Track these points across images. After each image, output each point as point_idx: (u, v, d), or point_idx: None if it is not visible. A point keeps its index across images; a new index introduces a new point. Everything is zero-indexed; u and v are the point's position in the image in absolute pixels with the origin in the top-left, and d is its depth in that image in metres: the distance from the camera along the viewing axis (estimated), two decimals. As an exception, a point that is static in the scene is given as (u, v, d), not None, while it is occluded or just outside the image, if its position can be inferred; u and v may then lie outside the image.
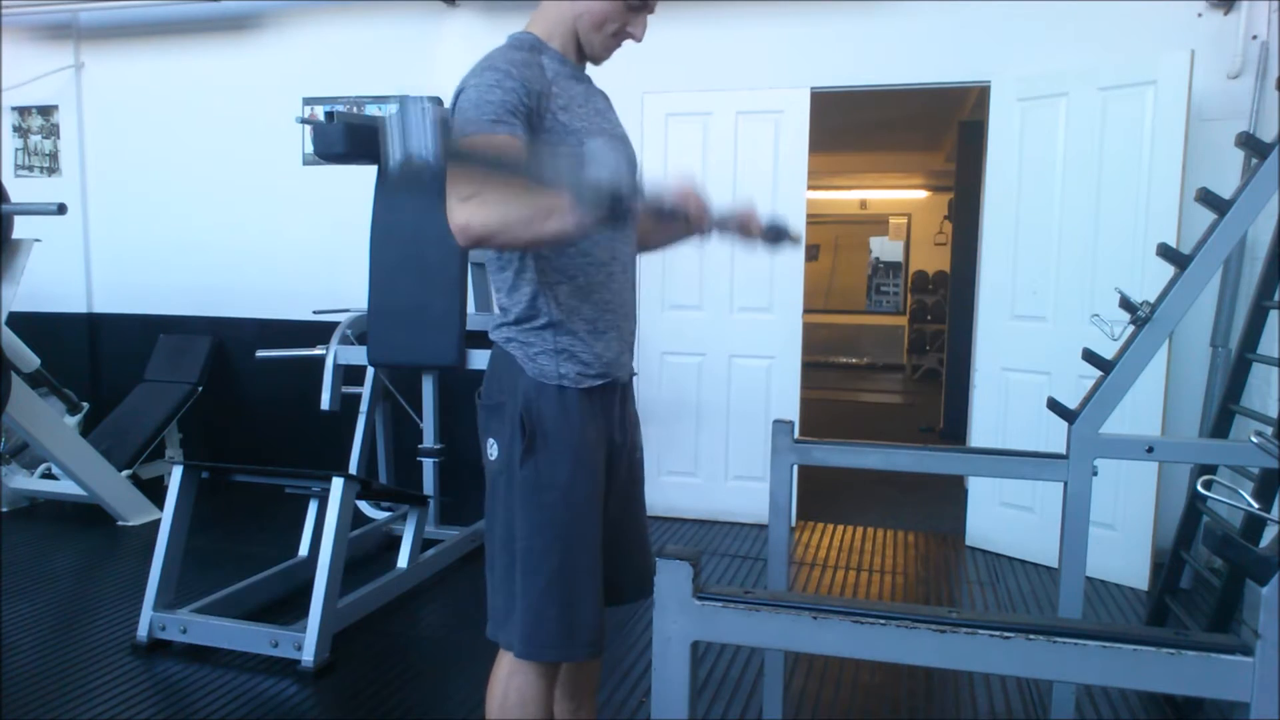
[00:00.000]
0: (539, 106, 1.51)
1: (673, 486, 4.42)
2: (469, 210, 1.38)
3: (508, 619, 1.63)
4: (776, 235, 1.76)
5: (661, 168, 4.23)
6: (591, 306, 1.61)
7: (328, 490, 2.87)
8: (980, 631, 0.97)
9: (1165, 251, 2.15)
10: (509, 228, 1.39)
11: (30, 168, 5.43)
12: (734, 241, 1.67)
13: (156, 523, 3.07)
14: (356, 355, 3.89)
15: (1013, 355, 3.86)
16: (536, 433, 1.56)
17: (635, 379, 1.81)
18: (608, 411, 1.67)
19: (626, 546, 1.73)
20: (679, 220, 1.45)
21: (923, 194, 11.17)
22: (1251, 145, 2.22)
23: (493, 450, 1.63)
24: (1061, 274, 3.67)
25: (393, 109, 1.31)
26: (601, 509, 1.64)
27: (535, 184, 1.35)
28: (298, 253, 4.96)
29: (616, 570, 1.70)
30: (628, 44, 1.66)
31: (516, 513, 1.58)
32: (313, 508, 3.45)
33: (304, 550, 3.47)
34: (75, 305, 5.40)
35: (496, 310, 1.65)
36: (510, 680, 1.65)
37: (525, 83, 1.49)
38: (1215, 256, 2.02)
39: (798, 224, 1.82)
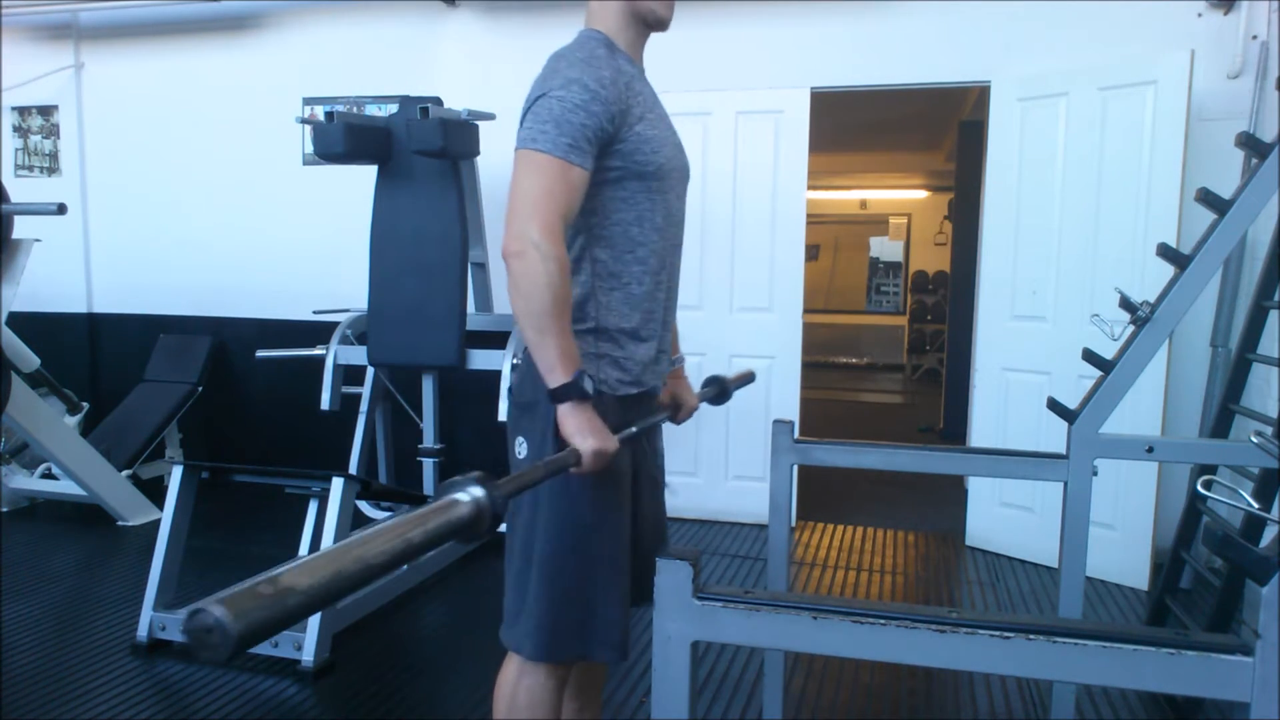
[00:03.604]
0: (619, 123, 1.51)
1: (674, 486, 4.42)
2: (528, 252, 1.40)
3: (516, 621, 1.62)
4: (719, 392, 1.87)
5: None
6: (640, 314, 1.62)
7: (328, 490, 2.87)
8: (980, 631, 0.97)
9: (1165, 251, 2.15)
10: (524, 298, 1.42)
11: (30, 168, 5.43)
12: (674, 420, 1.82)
13: (156, 523, 3.07)
14: (356, 355, 3.89)
15: (1013, 355, 3.86)
16: None
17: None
18: (639, 417, 1.67)
19: (648, 551, 1.72)
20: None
21: (923, 194, 11.17)
22: (1251, 145, 2.22)
23: (521, 449, 1.62)
24: (1061, 274, 3.67)
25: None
26: (629, 515, 1.63)
27: (556, 333, 1.43)
28: (298, 253, 4.96)
29: (637, 573, 1.69)
30: None
31: (540, 515, 1.57)
32: (313, 508, 3.44)
33: (304, 550, 3.46)
34: (75, 305, 5.40)
35: None
36: (520, 681, 1.64)
37: (610, 105, 1.48)
38: (1215, 256, 2.02)
39: (719, 375, 1.94)
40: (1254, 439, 1.52)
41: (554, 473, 1.35)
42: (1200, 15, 3.70)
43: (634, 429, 1.56)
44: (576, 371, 1.44)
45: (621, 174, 1.55)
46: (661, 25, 1.64)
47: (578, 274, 1.58)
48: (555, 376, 1.43)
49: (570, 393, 1.42)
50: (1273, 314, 2.82)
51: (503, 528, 3.32)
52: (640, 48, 1.66)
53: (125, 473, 4.39)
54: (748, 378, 2.11)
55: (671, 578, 1.03)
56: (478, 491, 1.05)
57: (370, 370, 4.05)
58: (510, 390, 1.69)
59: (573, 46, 1.56)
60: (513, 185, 1.46)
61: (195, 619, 0.73)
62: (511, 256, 1.42)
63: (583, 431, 1.42)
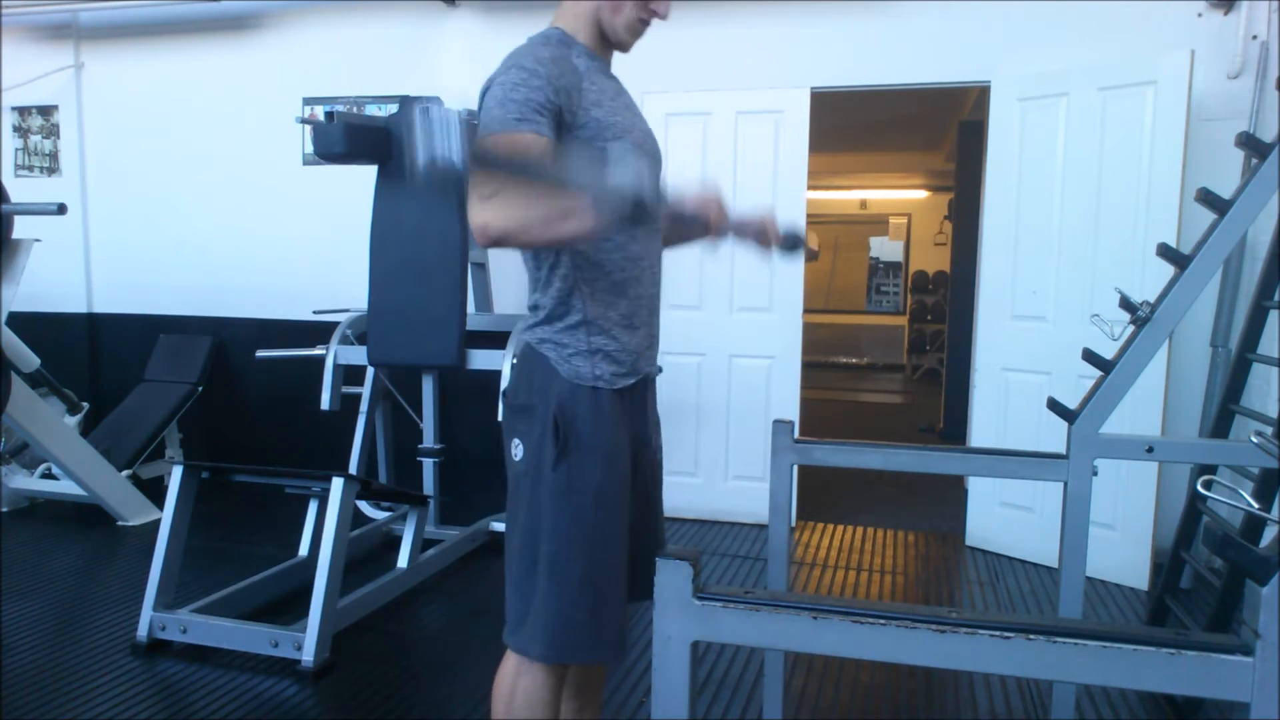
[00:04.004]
0: (570, 104, 1.50)
1: (673, 486, 4.34)
2: (489, 210, 1.37)
3: (523, 622, 1.60)
4: (793, 243, 1.80)
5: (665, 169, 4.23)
6: (627, 302, 1.61)
7: (328, 490, 2.87)
8: (980, 631, 0.97)
9: (1165, 251, 2.15)
10: (528, 228, 1.39)
11: (30, 168, 5.43)
12: (750, 247, 1.71)
13: (156, 523, 3.07)
14: (356, 355, 3.89)
15: (1013, 355, 3.86)
16: (569, 436, 1.55)
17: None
18: (637, 410, 1.68)
19: (645, 546, 1.72)
20: (698, 225, 1.51)
21: (923, 194, 11.17)
22: (1251, 145, 2.22)
23: (518, 451, 1.61)
24: (1061, 274, 3.67)
25: (412, 112, 1.26)
26: (628, 511, 1.63)
27: (557, 185, 1.35)
28: (298, 253, 4.96)
29: (635, 569, 1.69)
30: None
31: (544, 516, 1.57)
32: (313, 508, 3.45)
33: (304, 550, 3.47)
34: (75, 305, 5.40)
35: (528, 308, 1.65)
36: (518, 680, 1.63)
37: (552, 80, 1.47)
38: (1215, 256, 2.02)
39: (799, 224, 1.85)
40: (1254, 439, 1.52)
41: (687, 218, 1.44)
42: (1200, 15, 3.70)
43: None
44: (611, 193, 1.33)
45: None
46: (620, 46, 1.65)
47: (558, 267, 1.57)
48: (619, 207, 1.30)
49: (641, 207, 1.30)
50: (1273, 314, 2.82)
51: (498, 526, 3.31)
52: (605, 51, 1.66)
53: (125, 473, 4.39)
54: (814, 251, 2.03)
55: (671, 578, 1.03)
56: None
57: (370, 370, 4.05)
58: (504, 393, 1.68)
59: (524, 43, 1.58)
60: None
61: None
62: (481, 233, 1.38)
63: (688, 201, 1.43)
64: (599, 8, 1.59)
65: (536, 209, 1.37)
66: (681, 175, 4.25)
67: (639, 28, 1.63)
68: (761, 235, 1.70)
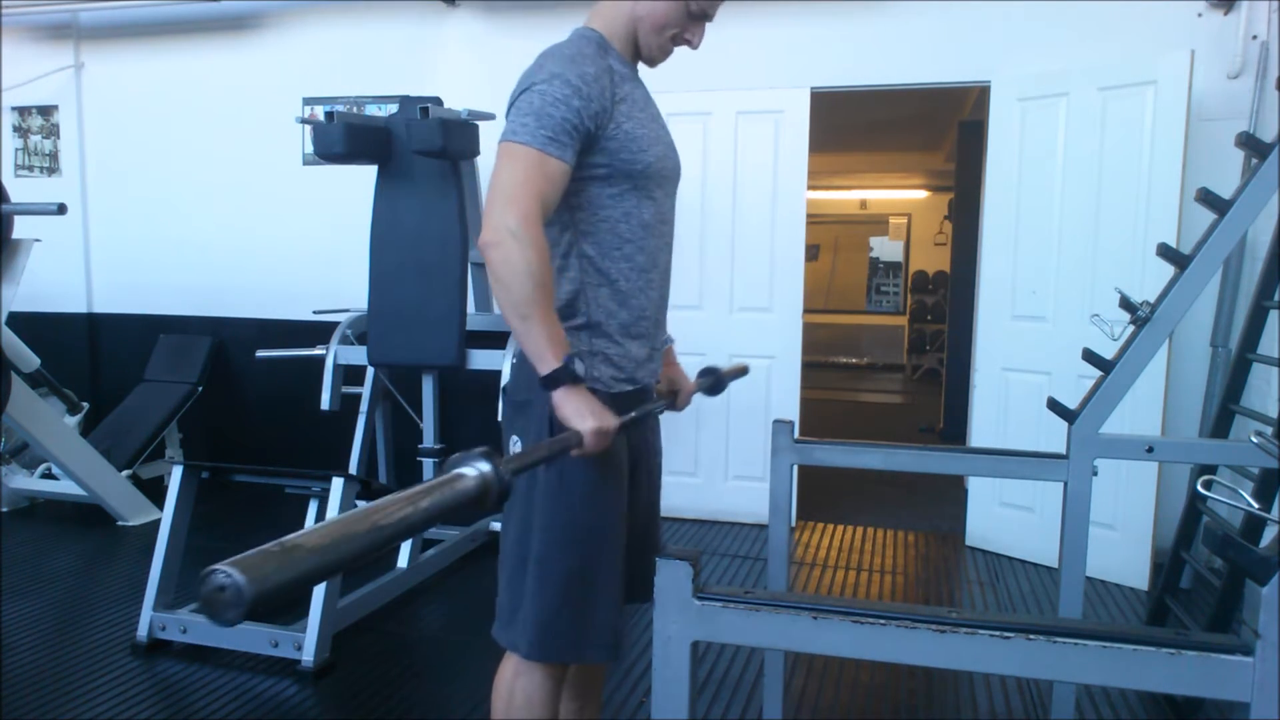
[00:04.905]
0: (603, 121, 1.52)
1: (673, 486, 4.37)
2: (505, 241, 1.40)
3: (513, 619, 1.61)
4: (714, 383, 1.89)
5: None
6: (628, 311, 1.62)
7: (328, 490, 2.87)
8: (980, 631, 0.97)
9: (1165, 251, 2.15)
10: (505, 287, 1.42)
11: (30, 168, 5.43)
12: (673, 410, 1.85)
13: (156, 523, 3.07)
14: (356, 355, 3.89)
15: (1013, 355, 3.86)
16: None
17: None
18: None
19: (643, 549, 1.73)
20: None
21: (923, 194, 11.17)
22: (1251, 145, 2.22)
23: (515, 448, 1.62)
24: (1061, 274, 3.67)
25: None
26: (624, 513, 1.63)
27: (546, 311, 1.45)
28: (298, 253, 4.96)
29: (632, 572, 1.70)
30: None
31: (536, 513, 1.57)
32: (313, 508, 3.44)
33: (304, 550, 3.46)
34: (75, 305, 5.40)
35: None
36: (516, 681, 1.64)
37: (592, 101, 1.48)
38: (1215, 256, 2.02)
39: (712, 364, 1.98)
40: (1254, 439, 1.52)
41: (558, 453, 1.37)
42: (1200, 15, 3.70)
43: (633, 414, 1.57)
44: (566, 356, 1.44)
45: (609, 171, 1.55)
46: (650, 62, 1.67)
47: (566, 269, 1.59)
48: (545, 363, 1.43)
49: (562, 377, 1.43)
50: (1273, 314, 2.82)
51: (497, 526, 3.32)
52: (635, 59, 1.67)
53: (125, 473, 4.39)
54: (741, 371, 2.12)
55: (671, 578, 1.03)
56: (484, 466, 1.07)
57: (370, 370, 4.05)
58: (504, 389, 1.69)
59: (564, 43, 1.58)
60: (492, 177, 1.47)
61: (208, 580, 0.75)
62: (489, 247, 1.42)
63: (580, 413, 1.42)
64: (639, 21, 1.60)
65: (521, 289, 1.41)
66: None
67: (670, 49, 1.65)
68: (676, 401, 1.84)
